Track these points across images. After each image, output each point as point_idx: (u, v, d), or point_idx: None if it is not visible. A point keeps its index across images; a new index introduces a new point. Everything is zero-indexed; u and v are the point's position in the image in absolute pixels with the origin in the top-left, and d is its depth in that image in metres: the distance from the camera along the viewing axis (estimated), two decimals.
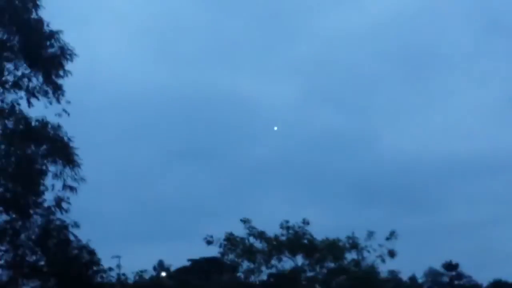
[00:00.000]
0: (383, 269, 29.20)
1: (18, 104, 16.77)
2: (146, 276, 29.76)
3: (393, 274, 31.70)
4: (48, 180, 17.31)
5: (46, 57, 16.70)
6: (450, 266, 63.10)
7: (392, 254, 27.90)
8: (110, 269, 23.06)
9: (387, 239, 28.25)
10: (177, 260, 39.06)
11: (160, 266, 35.76)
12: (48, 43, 16.66)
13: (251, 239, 28.28)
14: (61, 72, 16.90)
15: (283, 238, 28.15)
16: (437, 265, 62.69)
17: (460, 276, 63.50)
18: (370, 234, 28.16)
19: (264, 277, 28.34)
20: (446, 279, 64.43)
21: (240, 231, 28.39)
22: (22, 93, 16.72)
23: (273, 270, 28.02)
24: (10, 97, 16.68)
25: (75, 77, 17.31)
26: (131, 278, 27.57)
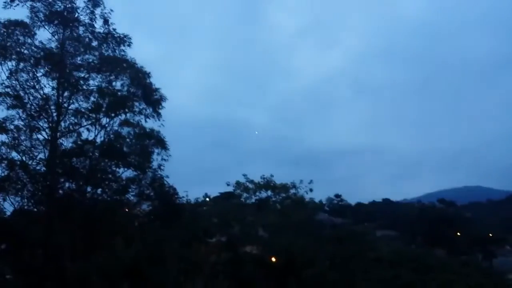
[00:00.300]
0: (307, 197, 40.60)
1: (141, 121, 30.27)
2: (199, 200, 43.31)
3: (311, 199, 43.31)
4: (154, 155, 30.67)
5: (153, 100, 29.91)
6: (337, 195, 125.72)
7: (311, 190, 40.12)
8: (182, 197, 33.82)
9: (309, 183, 39.73)
10: (214, 192, 57.93)
11: (206, 195, 50.95)
12: (154, 93, 29.96)
13: (247, 183, 40.51)
14: (160, 107, 30.12)
15: (262, 183, 40.23)
16: (332, 195, 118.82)
17: (342, 200, 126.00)
18: (301, 181, 39.65)
19: (253, 201, 40.86)
20: (335, 201, 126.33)
21: (242, 179, 40.49)
22: (142, 116, 30.07)
23: (257, 198, 40.57)
24: (136, 118, 30.22)
25: (166, 109, 30.55)
26: (192, 201, 39.19)
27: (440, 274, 39.22)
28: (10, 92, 28.19)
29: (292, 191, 40.23)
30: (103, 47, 29.77)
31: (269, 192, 40.68)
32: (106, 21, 29.70)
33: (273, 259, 37.59)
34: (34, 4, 28.82)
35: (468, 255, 69.73)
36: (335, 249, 40.04)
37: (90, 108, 29.84)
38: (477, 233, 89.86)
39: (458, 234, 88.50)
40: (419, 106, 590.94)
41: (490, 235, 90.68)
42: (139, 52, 33.03)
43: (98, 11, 29.66)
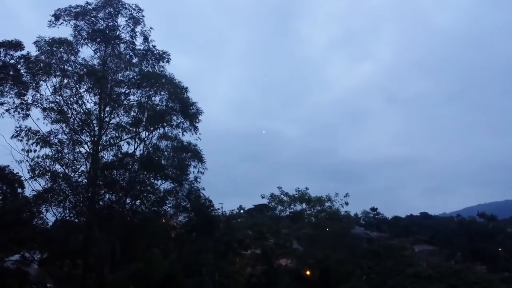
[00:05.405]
0: (342, 210, 40.64)
1: (178, 135, 30.57)
2: (234, 212, 43.71)
3: (347, 212, 43.18)
4: (191, 168, 31.07)
5: (190, 114, 30.15)
6: (373, 209, 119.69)
7: (347, 203, 40.40)
8: (218, 209, 34.75)
9: (344, 196, 40.06)
10: (248, 204, 59.24)
11: (240, 207, 50.86)
12: (191, 107, 30.15)
13: (282, 196, 40.98)
14: (197, 120, 30.30)
15: (296, 196, 40.55)
16: (367, 208, 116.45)
17: (378, 213, 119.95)
18: (336, 194, 39.96)
19: (287, 213, 41.50)
20: (371, 215, 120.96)
21: (277, 192, 41.09)
22: (179, 130, 30.34)
23: (291, 210, 41.04)
24: (174, 131, 30.56)
25: (203, 123, 30.69)
26: (227, 213, 41.06)
27: None
28: (54, 107, 29.28)
29: (327, 204, 40.11)
30: (143, 64, 30.70)
31: (304, 205, 40.57)
32: (146, 39, 30.75)
33: (308, 273, 37.57)
34: (78, 23, 30.13)
35: (510, 272, 67.41)
36: (371, 263, 39.52)
37: (130, 122, 30.42)
38: None
39: (500, 249, 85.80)
40: (454, 117, 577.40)
41: None
42: (175, 67, 33.41)
43: (138, 29, 30.93)
